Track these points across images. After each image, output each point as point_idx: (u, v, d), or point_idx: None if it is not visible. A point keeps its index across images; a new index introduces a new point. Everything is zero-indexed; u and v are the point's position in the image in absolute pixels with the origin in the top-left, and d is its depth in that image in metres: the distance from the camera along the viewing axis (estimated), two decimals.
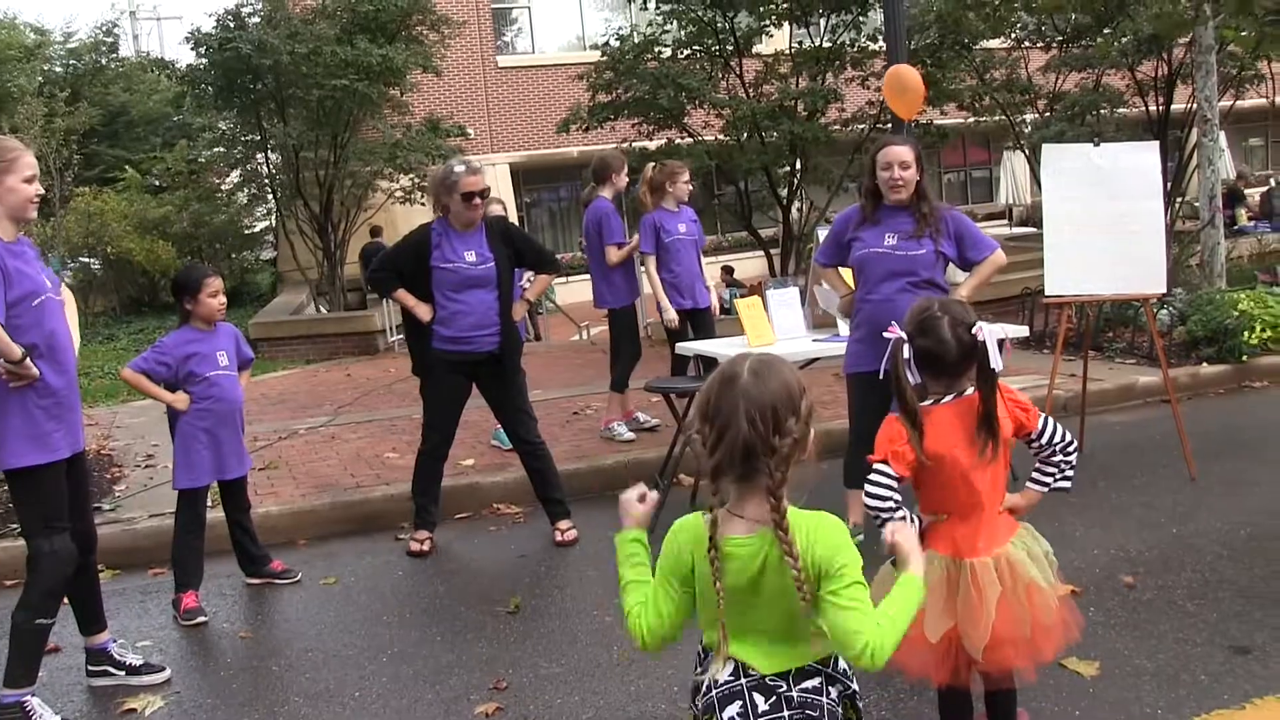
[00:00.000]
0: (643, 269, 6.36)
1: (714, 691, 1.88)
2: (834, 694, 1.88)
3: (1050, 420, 2.53)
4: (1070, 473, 2.56)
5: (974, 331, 2.36)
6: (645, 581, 1.94)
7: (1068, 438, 2.53)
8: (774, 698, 1.84)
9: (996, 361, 2.35)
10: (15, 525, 4.91)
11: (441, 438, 4.80)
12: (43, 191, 3.26)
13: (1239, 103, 13.28)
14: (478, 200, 4.59)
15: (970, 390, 2.42)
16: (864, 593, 1.80)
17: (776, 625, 1.86)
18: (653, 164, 6.55)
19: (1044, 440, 2.52)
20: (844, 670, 1.91)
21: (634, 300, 6.41)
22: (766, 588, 1.84)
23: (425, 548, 4.77)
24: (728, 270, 15.37)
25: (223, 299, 4.26)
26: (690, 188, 6.37)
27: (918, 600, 1.89)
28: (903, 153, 4.06)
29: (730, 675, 1.88)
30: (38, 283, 3.16)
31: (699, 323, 6.35)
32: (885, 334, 2.45)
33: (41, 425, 3.17)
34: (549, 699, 3.28)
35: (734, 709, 1.85)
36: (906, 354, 2.38)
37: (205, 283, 4.18)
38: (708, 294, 6.41)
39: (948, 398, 2.43)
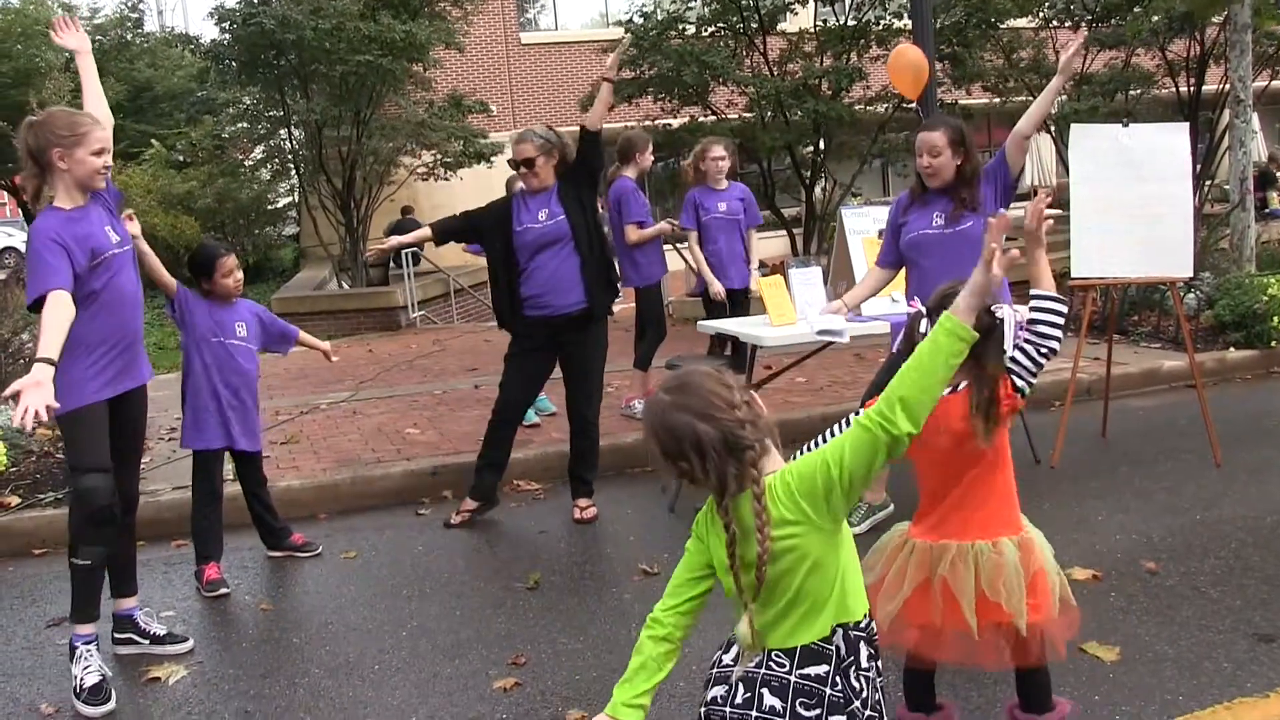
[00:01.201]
0: (672, 247, 6.36)
1: (715, 670, 1.95)
2: (840, 685, 1.87)
3: (1024, 349, 2.43)
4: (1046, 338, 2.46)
5: (994, 311, 2.34)
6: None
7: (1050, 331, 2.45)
8: (749, 694, 1.87)
9: (1009, 343, 2.35)
10: (43, 495, 5.01)
11: (509, 398, 4.81)
12: (110, 164, 3.35)
13: (1274, 83, 13.03)
14: (523, 169, 4.61)
15: (947, 390, 2.40)
16: (845, 432, 1.85)
17: (780, 598, 1.88)
18: (701, 141, 6.51)
19: (1030, 362, 2.43)
20: (838, 645, 1.89)
21: (659, 279, 6.39)
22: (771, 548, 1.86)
23: (459, 520, 4.81)
24: None
25: (238, 277, 4.24)
26: (719, 164, 6.25)
27: (942, 344, 1.85)
28: (933, 138, 4.02)
29: (731, 660, 1.93)
30: (100, 243, 3.25)
31: (732, 302, 6.33)
32: (908, 308, 2.44)
33: (84, 370, 3.25)
34: (567, 675, 3.29)
35: (718, 691, 1.92)
36: (924, 328, 2.37)
37: (219, 264, 4.16)
38: (746, 274, 6.34)
39: (945, 390, 2.40)
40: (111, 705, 3.26)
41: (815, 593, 1.87)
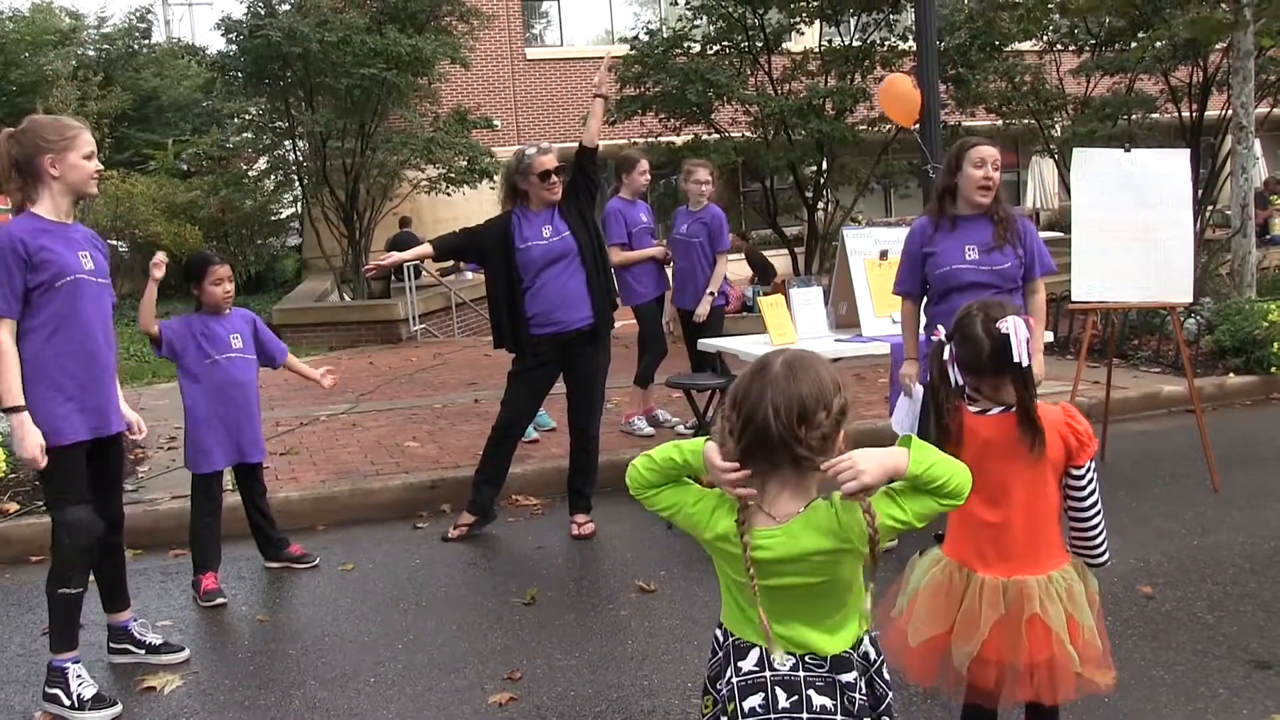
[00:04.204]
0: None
1: (736, 679, 1.88)
2: (864, 691, 1.88)
3: (1095, 478, 2.41)
4: (1094, 552, 2.45)
5: (998, 325, 2.31)
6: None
7: (1095, 517, 2.41)
8: (795, 696, 1.84)
9: (1018, 355, 2.29)
10: (41, 502, 5.01)
11: (510, 415, 4.82)
12: (101, 168, 3.32)
13: (1276, 110, 13.08)
14: (554, 178, 4.62)
15: (996, 410, 2.37)
16: (894, 499, 1.83)
17: (812, 612, 1.87)
18: (686, 162, 6.53)
19: (1079, 482, 2.40)
20: (865, 653, 1.91)
21: (653, 297, 6.39)
22: (790, 579, 1.84)
23: (456, 534, 4.80)
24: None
25: (228, 288, 4.23)
26: (701, 188, 6.21)
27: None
28: (994, 152, 3.91)
29: (755, 665, 1.88)
30: (66, 263, 3.17)
31: (684, 323, 6.33)
32: (932, 337, 2.41)
33: (57, 408, 3.18)
34: (563, 690, 3.29)
35: (755, 700, 1.85)
36: (947, 355, 2.36)
37: (209, 270, 4.17)
38: (700, 300, 6.20)
39: (995, 409, 2.37)
40: (119, 709, 3.28)
41: (848, 603, 1.88)
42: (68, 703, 3.24)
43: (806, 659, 1.87)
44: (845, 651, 1.88)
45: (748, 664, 1.88)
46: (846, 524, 1.81)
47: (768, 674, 1.86)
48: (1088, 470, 2.41)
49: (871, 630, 1.94)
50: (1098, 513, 2.44)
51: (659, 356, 6.40)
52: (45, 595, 3.31)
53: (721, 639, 1.96)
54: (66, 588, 3.27)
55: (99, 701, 3.25)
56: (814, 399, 1.80)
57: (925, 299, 4.16)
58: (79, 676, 3.28)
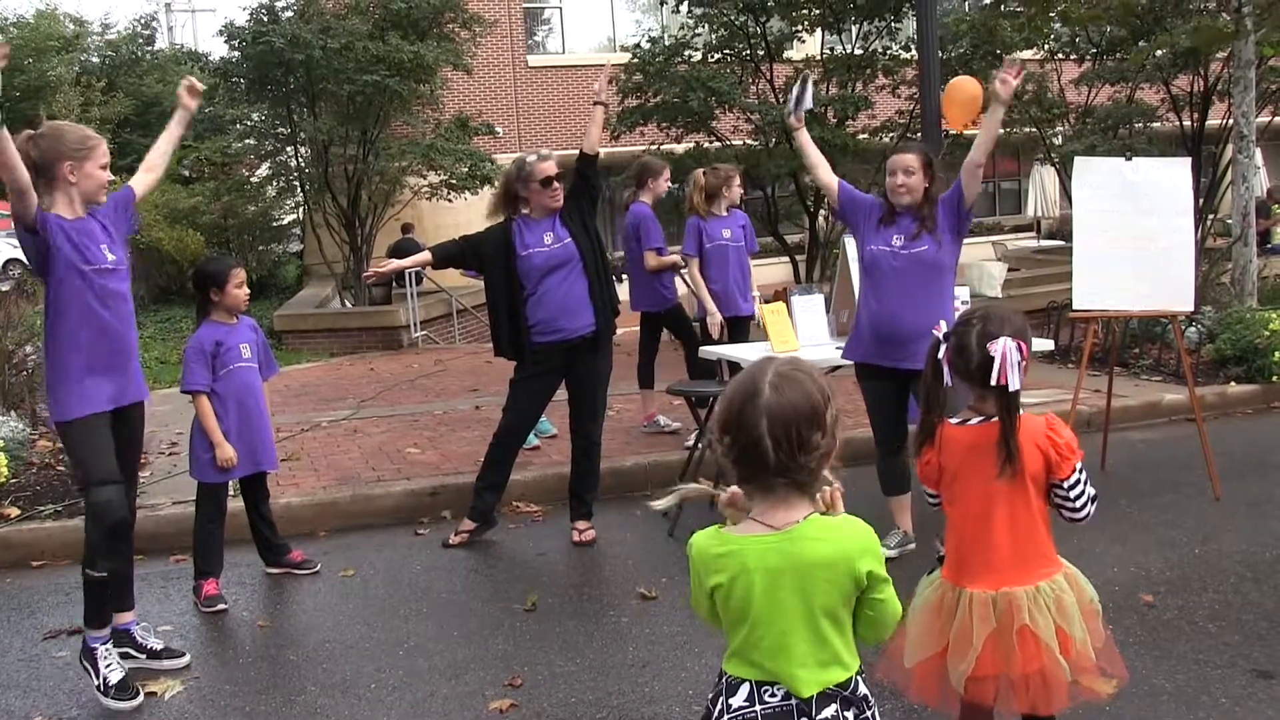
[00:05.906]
0: (681, 271, 6.40)
1: (727, 717, 1.85)
2: (850, 718, 1.85)
3: (1084, 480, 2.40)
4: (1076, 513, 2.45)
5: (988, 347, 2.31)
6: None
7: (1087, 509, 2.42)
8: None
9: (1007, 378, 2.29)
10: (43, 507, 5.02)
11: (512, 421, 4.83)
12: (114, 177, 3.50)
13: (1277, 119, 13.10)
14: (556, 185, 4.64)
15: (976, 421, 2.38)
16: (888, 587, 1.86)
17: (797, 646, 1.83)
18: (703, 169, 6.51)
19: (1067, 493, 2.39)
20: (864, 695, 1.88)
21: (676, 301, 6.43)
22: (760, 598, 1.81)
23: (457, 541, 4.81)
24: None
25: (246, 289, 4.29)
26: (742, 191, 6.33)
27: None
28: (907, 160, 4.19)
29: (744, 701, 1.85)
30: (93, 255, 3.35)
31: (737, 329, 6.33)
32: (934, 330, 2.44)
33: (78, 380, 3.32)
34: (564, 697, 3.29)
35: None
36: (942, 354, 2.37)
37: (232, 274, 4.21)
38: (751, 303, 6.32)
39: (975, 419, 2.38)
40: (140, 699, 3.33)
41: (831, 637, 1.85)
42: (95, 683, 3.34)
43: (793, 697, 1.83)
44: (830, 688, 1.83)
45: (738, 700, 1.86)
46: (842, 539, 1.80)
47: (757, 708, 1.83)
48: (1075, 482, 2.39)
49: (862, 672, 1.90)
50: (1087, 506, 2.43)
51: (696, 346, 6.41)
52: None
53: (719, 679, 1.93)
54: (91, 569, 3.36)
55: (123, 689, 3.33)
56: (809, 421, 1.77)
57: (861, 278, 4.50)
58: (107, 659, 3.37)
